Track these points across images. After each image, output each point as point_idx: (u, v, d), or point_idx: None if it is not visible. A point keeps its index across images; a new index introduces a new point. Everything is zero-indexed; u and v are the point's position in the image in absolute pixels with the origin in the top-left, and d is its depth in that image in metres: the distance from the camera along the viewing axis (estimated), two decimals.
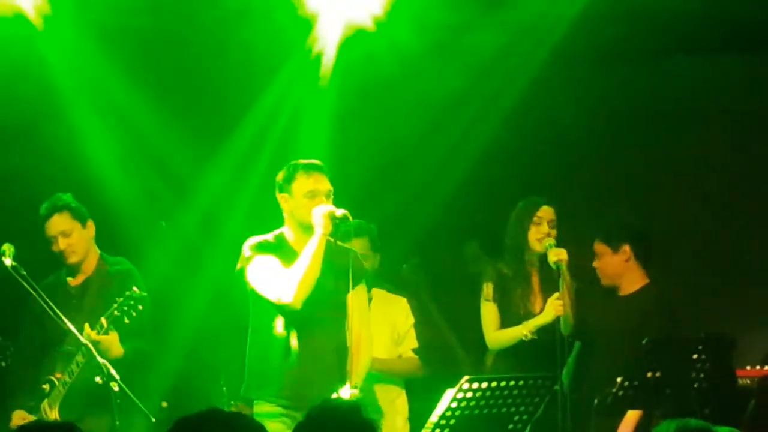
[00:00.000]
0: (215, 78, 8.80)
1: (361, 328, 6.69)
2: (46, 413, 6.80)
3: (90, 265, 7.25)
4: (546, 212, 7.37)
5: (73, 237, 7.09)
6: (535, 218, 7.36)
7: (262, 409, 6.61)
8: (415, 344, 7.78)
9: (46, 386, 6.87)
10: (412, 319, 7.81)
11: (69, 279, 7.21)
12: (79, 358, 6.70)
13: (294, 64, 8.78)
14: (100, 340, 6.62)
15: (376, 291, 7.73)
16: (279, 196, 6.69)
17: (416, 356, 7.80)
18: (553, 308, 7.19)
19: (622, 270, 7.53)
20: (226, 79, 8.77)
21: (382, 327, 7.67)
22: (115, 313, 6.77)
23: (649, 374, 6.74)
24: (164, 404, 6.84)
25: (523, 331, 7.29)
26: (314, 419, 4.36)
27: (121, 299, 6.77)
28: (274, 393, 6.56)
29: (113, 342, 6.72)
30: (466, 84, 8.92)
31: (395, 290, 7.91)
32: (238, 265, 6.61)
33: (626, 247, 7.51)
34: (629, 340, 7.12)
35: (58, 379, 6.86)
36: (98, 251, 7.33)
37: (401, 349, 7.76)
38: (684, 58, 9.39)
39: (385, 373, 7.64)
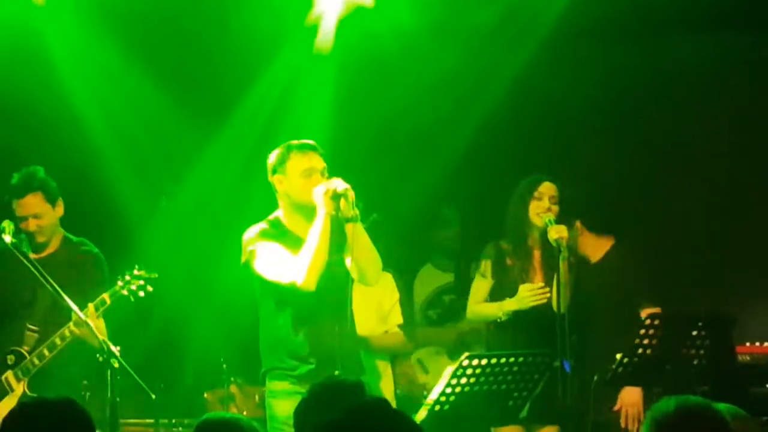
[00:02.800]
0: (215, 56, 8.79)
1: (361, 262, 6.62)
2: (9, 385, 6.75)
3: (55, 242, 7.15)
4: (547, 188, 7.37)
5: (44, 219, 6.99)
6: (536, 193, 7.36)
7: (275, 386, 6.60)
8: (400, 320, 7.82)
9: (11, 357, 6.82)
10: (397, 295, 7.85)
11: (30, 252, 7.00)
12: (66, 332, 6.66)
13: (293, 43, 8.78)
14: (94, 324, 6.59)
15: None
16: (273, 178, 6.66)
17: (401, 332, 7.79)
18: (529, 298, 7.21)
19: (581, 243, 7.60)
20: (226, 57, 8.76)
21: (368, 303, 7.68)
22: (123, 292, 6.76)
23: (649, 351, 6.75)
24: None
25: (498, 313, 7.32)
26: (317, 396, 4.39)
27: (128, 279, 6.76)
28: (289, 373, 6.55)
29: (101, 328, 6.67)
30: (464, 61, 8.90)
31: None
32: (243, 258, 6.59)
33: (577, 223, 7.56)
34: (613, 304, 7.26)
35: (27, 351, 6.81)
36: (61, 229, 7.23)
37: (387, 325, 7.77)
38: (685, 35, 9.36)
39: (371, 349, 7.64)
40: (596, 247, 7.62)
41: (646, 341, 6.75)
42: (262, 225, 6.64)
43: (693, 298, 8.64)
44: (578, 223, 7.59)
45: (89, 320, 6.48)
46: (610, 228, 7.69)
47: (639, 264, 7.50)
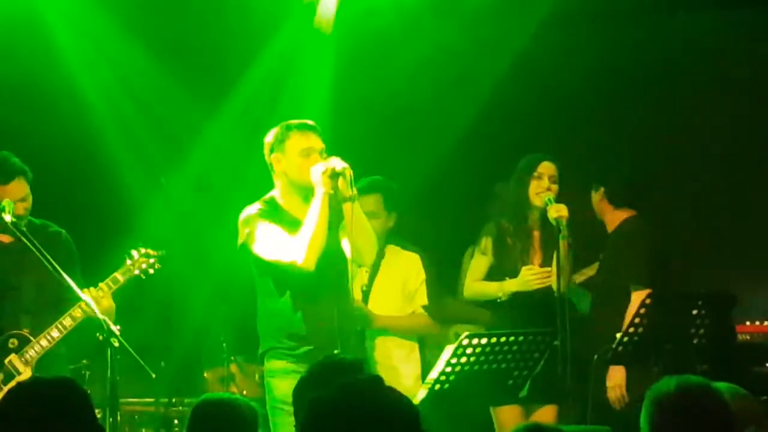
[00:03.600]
0: (215, 33, 8.77)
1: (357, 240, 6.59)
2: (15, 369, 6.73)
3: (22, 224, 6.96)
4: (547, 167, 7.35)
5: (28, 201, 6.90)
6: (535, 173, 7.33)
7: (273, 365, 6.61)
8: (425, 301, 7.69)
9: (13, 341, 6.79)
10: (423, 276, 7.73)
11: (5, 237, 6.89)
12: (76, 313, 6.65)
13: (294, 20, 8.76)
14: (108, 302, 6.59)
15: (390, 247, 7.71)
16: (270, 157, 6.62)
17: (425, 313, 7.77)
18: (533, 281, 7.21)
19: (599, 209, 7.63)
20: (226, 34, 8.74)
21: (394, 283, 7.65)
22: (135, 271, 6.76)
23: (649, 330, 6.75)
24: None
25: (498, 293, 7.31)
26: (316, 375, 4.38)
27: (137, 257, 6.77)
28: (286, 350, 6.55)
29: (112, 307, 6.68)
30: (465, 38, 8.88)
31: (410, 247, 7.86)
32: (240, 240, 6.57)
33: (602, 189, 7.57)
34: (613, 279, 7.26)
35: (28, 333, 6.78)
36: None
37: (413, 306, 7.73)
38: (685, 15, 9.35)
39: (395, 330, 7.62)
40: (612, 218, 7.59)
41: (645, 320, 6.74)
42: (257, 205, 6.62)
43: (693, 278, 8.64)
44: (602, 189, 7.58)
45: (99, 297, 6.50)
46: (626, 204, 7.65)
47: (640, 241, 7.47)
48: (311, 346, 6.47)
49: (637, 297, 7.11)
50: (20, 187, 6.82)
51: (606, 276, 7.55)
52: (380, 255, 7.56)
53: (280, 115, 7.11)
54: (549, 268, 7.22)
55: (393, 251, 7.74)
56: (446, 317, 8.30)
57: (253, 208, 6.59)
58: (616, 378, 7.23)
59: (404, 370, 7.59)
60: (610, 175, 7.66)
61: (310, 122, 6.65)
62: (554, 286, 7.08)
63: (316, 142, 6.55)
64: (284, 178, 6.62)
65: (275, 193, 6.67)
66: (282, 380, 6.49)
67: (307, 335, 6.51)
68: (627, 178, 7.67)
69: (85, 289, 6.56)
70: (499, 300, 7.31)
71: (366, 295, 7.64)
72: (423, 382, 6.47)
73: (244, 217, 6.57)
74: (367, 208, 7.11)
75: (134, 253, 6.83)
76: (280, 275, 6.50)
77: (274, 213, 6.58)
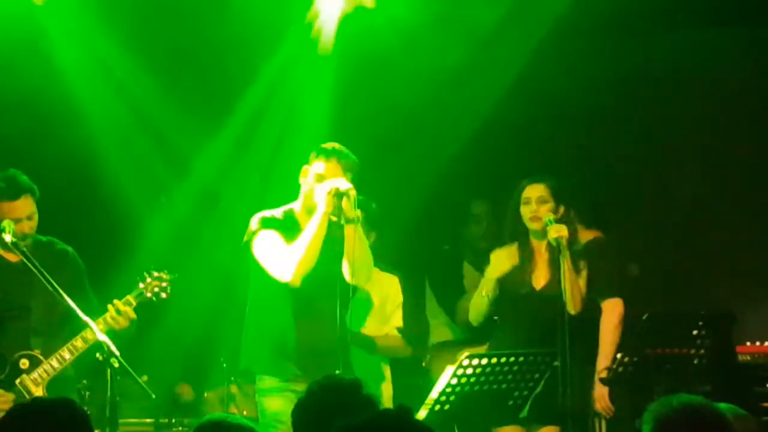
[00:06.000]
0: (216, 52, 8.78)
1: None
2: (27, 390, 6.70)
3: (29, 244, 6.89)
4: (531, 190, 7.29)
5: (34, 220, 6.88)
6: (522, 199, 7.31)
7: (265, 383, 6.63)
8: (399, 323, 7.70)
9: (24, 362, 6.77)
10: (400, 298, 7.74)
11: (4, 254, 6.87)
12: (87, 335, 6.61)
13: (294, 39, 8.76)
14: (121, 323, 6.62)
15: None
16: (301, 171, 6.71)
17: (399, 335, 7.74)
18: (498, 262, 7.24)
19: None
20: (227, 53, 8.75)
21: (370, 304, 7.66)
22: (147, 294, 6.77)
23: (649, 350, 6.74)
24: (144, 378, 6.76)
25: (482, 292, 7.30)
26: (315, 395, 4.37)
27: (149, 281, 6.77)
28: (277, 368, 6.58)
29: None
30: (466, 57, 8.89)
31: (389, 269, 7.86)
32: (245, 237, 6.65)
33: (571, 212, 7.55)
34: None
35: (38, 354, 6.76)
36: None
37: (388, 327, 7.73)
38: (684, 31, 9.36)
39: (367, 348, 7.61)
40: (582, 239, 7.57)
41: (646, 340, 6.74)
42: (274, 212, 6.69)
43: (692, 298, 8.64)
44: (572, 212, 7.57)
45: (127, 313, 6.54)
46: (598, 221, 7.67)
47: (607, 255, 7.45)
48: (299, 365, 6.50)
49: (609, 306, 7.13)
50: (27, 205, 6.81)
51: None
52: None
53: (281, 133, 7.15)
54: (511, 246, 7.23)
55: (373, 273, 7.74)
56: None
57: (267, 213, 6.67)
58: (600, 390, 7.22)
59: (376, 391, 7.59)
60: (580, 197, 7.65)
61: (342, 149, 6.67)
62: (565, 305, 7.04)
63: (335, 172, 6.56)
64: (302, 195, 6.67)
65: (296, 206, 6.71)
66: (273, 399, 6.54)
67: (296, 355, 6.53)
68: (595, 199, 7.71)
69: (117, 301, 6.60)
70: (487, 296, 7.28)
71: None
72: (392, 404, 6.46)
73: (258, 219, 6.65)
74: None
75: (147, 276, 6.83)
76: (273, 288, 6.53)
77: (288, 225, 6.63)
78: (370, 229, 7.69)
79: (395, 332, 7.70)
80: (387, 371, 7.77)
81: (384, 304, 7.70)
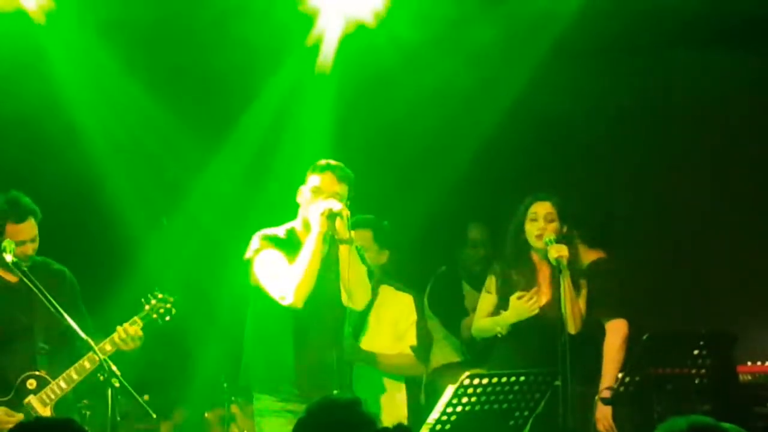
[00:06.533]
0: (217, 72, 8.79)
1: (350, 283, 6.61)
2: (34, 410, 6.69)
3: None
4: (540, 207, 7.31)
5: (36, 242, 6.89)
6: (530, 215, 7.32)
7: (262, 404, 6.63)
8: (413, 341, 7.69)
9: (31, 382, 6.77)
10: (414, 317, 7.73)
11: (4, 274, 6.85)
12: (95, 356, 6.61)
13: (295, 60, 8.78)
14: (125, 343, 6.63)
15: (384, 287, 7.70)
16: (299, 190, 6.72)
17: (413, 354, 7.74)
18: (519, 309, 7.19)
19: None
20: (228, 74, 8.76)
21: (385, 323, 7.65)
22: (153, 315, 6.78)
23: (650, 370, 6.73)
24: (146, 397, 6.77)
25: (497, 328, 7.29)
26: (314, 415, 4.37)
27: (154, 302, 6.78)
28: (275, 388, 6.58)
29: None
30: (467, 78, 8.91)
31: (403, 287, 7.86)
32: (246, 255, 6.64)
33: (574, 233, 7.54)
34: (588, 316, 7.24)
35: (45, 375, 6.76)
36: None
37: (401, 346, 7.73)
38: (685, 52, 9.37)
39: (380, 366, 7.60)
40: (585, 259, 7.57)
41: (647, 360, 6.73)
42: (276, 230, 6.69)
43: (693, 317, 8.63)
44: (576, 233, 7.56)
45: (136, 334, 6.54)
46: (602, 241, 7.67)
47: (610, 275, 7.45)
48: (296, 385, 6.49)
49: (613, 327, 7.13)
50: (31, 228, 6.83)
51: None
52: (374, 294, 7.56)
53: (281, 154, 7.15)
54: (535, 289, 7.21)
55: (386, 291, 7.72)
56: None
57: (269, 231, 6.66)
58: (603, 409, 7.20)
59: (386, 409, 7.57)
60: (581, 218, 7.65)
61: (336, 163, 6.68)
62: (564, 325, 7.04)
63: (330, 186, 6.57)
64: (302, 213, 6.68)
65: (296, 223, 6.71)
66: (270, 419, 6.53)
67: (294, 374, 6.52)
68: (600, 219, 7.71)
69: (126, 324, 6.61)
70: (500, 335, 7.29)
71: (357, 332, 7.63)
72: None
73: (260, 236, 6.64)
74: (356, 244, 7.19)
75: (152, 298, 6.84)
76: (271, 306, 6.53)
77: (290, 243, 6.62)
78: (383, 248, 7.70)
79: (408, 350, 7.70)
80: (401, 390, 7.74)
81: (397, 323, 7.68)
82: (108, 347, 6.54)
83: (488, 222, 9.03)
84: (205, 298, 8.62)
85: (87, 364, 6.63)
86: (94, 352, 6.33)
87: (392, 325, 7.67)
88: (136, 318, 6.75)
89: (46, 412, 6.62)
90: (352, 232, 6.46)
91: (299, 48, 8.69)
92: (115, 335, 6.64)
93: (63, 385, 6.67)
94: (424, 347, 7.88)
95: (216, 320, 8.59)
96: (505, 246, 7.47)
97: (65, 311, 6.44)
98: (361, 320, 7.61)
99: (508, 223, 7.44)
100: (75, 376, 6.66)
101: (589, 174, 9.49)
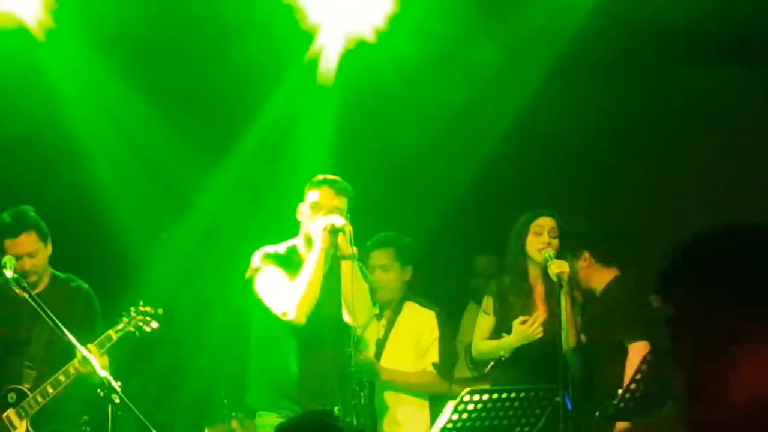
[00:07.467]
0: (217, 90, 8.80)
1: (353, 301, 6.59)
2: (11, 423, 6.70)
3: (45, 280, 7.04)
4: (546, 221, 7.33)
5: (38, 258, 6.91)
6: (535, 228, 7.32)
7: (266, 420, 6.61)
8: (435, 359, 7.63)
9: (12, 395, 6.77)
10: (437, 333, 7.67)
11: (18, 291, 6.73)
12: (71, 369, 6.61)
13: (295, 77, 8.78)
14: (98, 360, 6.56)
15: (408, 303, 7.69)
16: (297, 208, 6.71)
17: (435, 371, 7.69)
18: (523, 334, 7.18)
19: (586, 274, 7.54)
20: (228, 91, 8.76)
21: (408, 339, 7.62)
22: (130, 328, 6.74)
23: (651, 385, 6.72)
24: None
25: (500, 351, 7.28)
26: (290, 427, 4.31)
27: (134, 314, 6.75)
28: (277, 404, 6.57)
29: (105, 364, 6.65)
30: (467, 95, 8.91)
31: (427, 303, 7.84)
32: (247, 274, 6.63)
33: (585, 254, 7.51)
34: (604, 336, 7.22)
35: (28, 389, 6.77)
36: (50, 267, 7.14)
37: (424, 363, 7.67)
38: (685, 70, 9.38)
39: (402, 385, 7.57)
40: (601, 279, 7.56)
41: (646, 375, 6.71)
42: (276, 248, 6.67)
43: None
44: (586, 254, 7.54)
45: (92, 356, 6.46)
46: (616, 259, 7.65)
47: (630, 296, 7.44)
48: (297, 403, 6.49)
49: (635, 349, 7.11)
50: (29, 242, 6.84)
51: (600, 334, 7.47)
52: (397, 310, 7.58)
53: (283, 169, 7.14)
54: (538, 313, 7.20)
55: (411, 307, 7.71)
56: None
57: (269, 249, 6.64)
58: (622, 425, 7.19)
59: (408, 428, 7.53)
60: (593, 236, 7.64)
61: (333, 178, 6.68)
62: (562, 342, 7.03)
63: (328, 200, 6.55)
64: (302, 228, 6.67)
65: (297, 241, 6.70)
66: None
67: (296, 392, 6.51)
68: (611, 234, 7.71)
69: (90, 345, 6.54)
70: (502, 358, 7.28)
71: (380, 348, 7.61)
72: None
73: (260, 254, 6.62)
74: (379, 262, 7.21)
75: (132, 310, 6.82)
76: (276, 325, 6.51)
77: (290, 261, 6.61)
78: (406, 264, 7.68)
79: (431, 368, 7.66)
80: (425, 407, 7.65)
81: (419, 340, 7.65)
82: (76, 364, 6.50)
83: (490, 238, 9.01)
84: (206, 315, 8.61)
85: (62, 378, 6.64)
86: (94, 369, 6.31)
87: (414, 341, 7.64)
88: (109, 331, 6.71)
89: (22, 425, 6.63)
90: (355, 248, 6.46)
91: (300, 64, 8.70)
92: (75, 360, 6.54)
93: (39, 398, 6.69)
94: (448, 364, 7.83)
95: (216, 337, 8.59)
96: (505, 259, 7.48)
97: (74, 328, 6.43)
98: (384, 336, 7.60)
99: (508, 237, 7.45)
100: (50, 390, 6.68)
101: (590, 192, 9.48)
